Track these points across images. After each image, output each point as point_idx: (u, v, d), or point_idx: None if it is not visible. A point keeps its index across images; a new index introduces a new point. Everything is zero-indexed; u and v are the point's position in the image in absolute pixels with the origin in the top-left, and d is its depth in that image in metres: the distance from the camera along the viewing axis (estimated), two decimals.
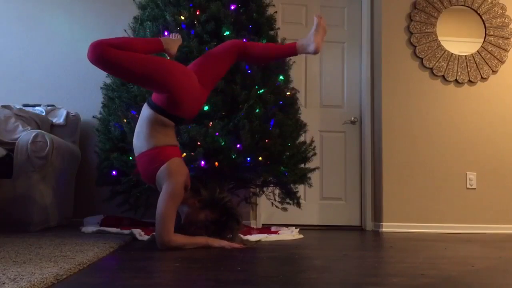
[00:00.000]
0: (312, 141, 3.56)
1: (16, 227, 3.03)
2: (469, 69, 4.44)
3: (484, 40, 4.49)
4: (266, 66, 3.34)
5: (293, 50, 2.72)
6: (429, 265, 2.02)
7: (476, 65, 4.45)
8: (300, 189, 3.72)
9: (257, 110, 3.14)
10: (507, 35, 4.51)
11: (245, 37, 3.25)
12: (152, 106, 2.49)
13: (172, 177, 2.42)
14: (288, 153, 3.30)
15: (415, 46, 4.42)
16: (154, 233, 2.57)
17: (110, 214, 3.58)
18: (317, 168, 3.71)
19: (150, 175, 2.50)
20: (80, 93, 4.12)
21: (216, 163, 3.03)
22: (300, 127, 3.51)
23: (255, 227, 3.99)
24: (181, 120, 2.60)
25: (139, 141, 2.53)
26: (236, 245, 2.47)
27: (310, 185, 3.57)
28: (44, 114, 3.87)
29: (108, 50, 2.30)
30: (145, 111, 2.54)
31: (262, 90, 3.22)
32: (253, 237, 2.91)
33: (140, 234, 2.86)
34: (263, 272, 1.84)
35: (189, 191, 2.53)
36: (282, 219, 4.05)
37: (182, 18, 3.24)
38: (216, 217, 2.54)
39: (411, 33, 4.43)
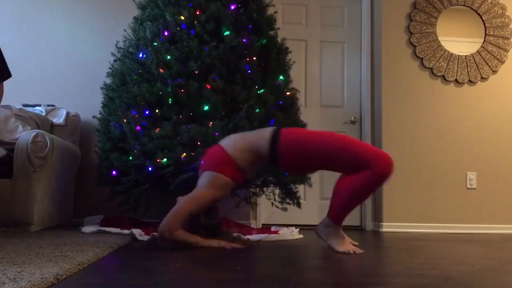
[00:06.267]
0: None
1: (16, 227, 3.03)
2: (469, 69, 4.44)
3: (484, 40, 4.49)
4: (266, 66, 3.34)
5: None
6: (429, 265, 2.02)
7: (476, 65, 4.45)
8: (300, 189, 3.72)
9: (257, 110, 3.14)
10: (507, 35, 4.51)
11: (245, 37, 3.25)
12: (273, 144, 2.44)
13: (211, 187, 2.43)
14: None
15: (415, 46, 4.42)
16: (154, 233, 2.58)
17: (110, 214, 3.58)
18: None
19: (205, 164, 2.52)
20: (80, 93, 4.12)
21: None
22: (300, 127, 3.51)
23: (255, 227, 3.99)
24: (276, 164, 2.52)
25: (235, 141, 2.52)
26: (236, 245, 2.47)
27: (310, 185, 3.57)
28: (44, 114, 3.87)
29: None
30: (265, 133, 2.50)
31: (262, 90, 3.22)
32: (253, 237, 2.92)
33: (140, 234, 2.86)
34: (263, 272, 1.84)
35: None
36: (282, 219, 4.05)
37: (182, 18, 3.24)
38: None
39: (411, 33, 4.43)
